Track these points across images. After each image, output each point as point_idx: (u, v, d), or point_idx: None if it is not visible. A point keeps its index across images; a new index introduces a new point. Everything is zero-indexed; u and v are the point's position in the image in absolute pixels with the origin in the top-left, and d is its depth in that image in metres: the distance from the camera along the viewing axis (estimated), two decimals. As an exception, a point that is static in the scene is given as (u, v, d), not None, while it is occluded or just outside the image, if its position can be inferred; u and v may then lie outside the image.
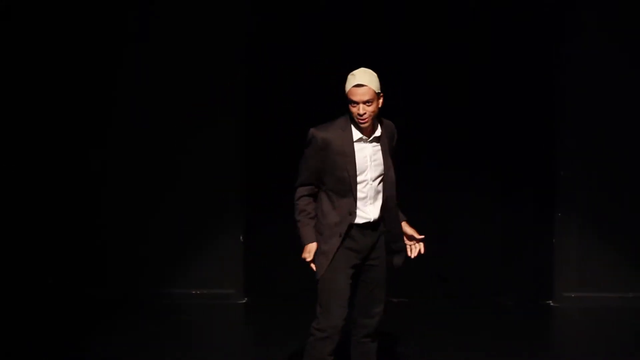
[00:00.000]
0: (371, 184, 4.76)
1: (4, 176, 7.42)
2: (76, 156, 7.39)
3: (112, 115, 7.39)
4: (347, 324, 4.84)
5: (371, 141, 4.76)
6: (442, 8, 7.21)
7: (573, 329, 7.05)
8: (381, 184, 4.80)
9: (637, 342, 6.53)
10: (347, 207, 4.72)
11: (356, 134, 4.73)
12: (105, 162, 7.41)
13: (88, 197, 7.44)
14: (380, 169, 4.78)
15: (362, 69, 4.71)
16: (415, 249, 4.91)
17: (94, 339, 6.51)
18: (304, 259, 4.72)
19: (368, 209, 4.77)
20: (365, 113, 4.64)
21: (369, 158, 4.75)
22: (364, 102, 4.64)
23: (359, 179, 4.72)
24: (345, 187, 4.71)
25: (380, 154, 4.78)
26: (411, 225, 4.93)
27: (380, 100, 4.72)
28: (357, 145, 4.73)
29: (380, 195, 4.80)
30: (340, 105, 4.75)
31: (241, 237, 7.43)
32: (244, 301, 7.50)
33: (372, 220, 4.78)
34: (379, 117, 4.77)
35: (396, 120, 7.01)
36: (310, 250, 4.72)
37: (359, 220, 4.75)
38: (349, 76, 4.69)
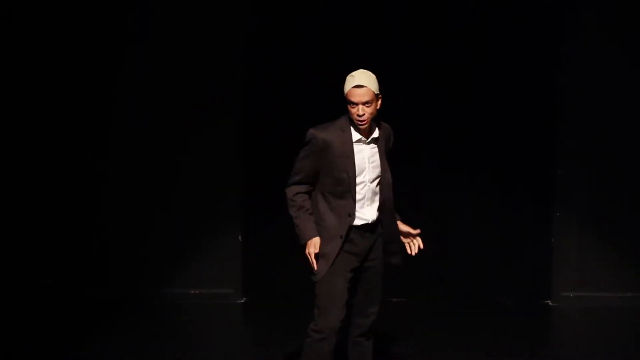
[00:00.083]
0: (369, 186, 4.76)
1: (4, 176, 7.42)
2: (76, 156, 7.39)
3: (112, 115, 7.39)
4: (345, 325, 4.85)
5: (369, 142, 4.76)
6: (442, 8, 7.20)
7: (572, 328, 7.05)
8: (378, 186, 4.80)
9: (636, 341, 6.53)
10: (346, 209, 4.72)
11: (355, 135, 4.73)
12: (105, 162, 7.41)
13: (88, 197, 7.44)
14: (377, 170, 4.78)
15: (361, 70, 4.71)
16: (414, 246, 4.90)
17: (94, 339, 6.52)
18: (308, 255, 4.67)
19: (366, 211, 4.77)
20: (364, 114, 4.65)
21: (367, 159, 4.75)
22: (364, 103, 4.64)
23: (357, 180, 4.72)
24: (344, 188, 4.71)
25: (377, 156, 4.79)
26: (406, 223, 4.92)
27: (379, 102, 4.72)
28: (356, 147, 4.73)
29: (378, 197, 4.81)
30: (340, 106, 4.75)
31: (240, 237, 7.43)
32: (243, 301, 7.50)
33: (370, 222, 4.78)
34: (377, 118, 4.77)
35: (396, 120, 7.01)
36: (315, 244, 4.66)
37: (357, 222, 4.75)
38: (348, 77, 4.69)
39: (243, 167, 7.38)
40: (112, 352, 6.21)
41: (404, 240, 4.92)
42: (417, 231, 4.88)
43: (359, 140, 4.73)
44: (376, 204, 4.80)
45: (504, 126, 7.27)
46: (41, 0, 7.25)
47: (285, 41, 7.23)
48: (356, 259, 4.78)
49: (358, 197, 4.73)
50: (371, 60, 6.96)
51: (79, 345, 6.38)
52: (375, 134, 4.77)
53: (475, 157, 7.29)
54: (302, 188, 4.78)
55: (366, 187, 4.76)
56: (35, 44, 7.29)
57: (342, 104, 4.71)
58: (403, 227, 4.91)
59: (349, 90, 4.66)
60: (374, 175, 4.78)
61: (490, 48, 7.21)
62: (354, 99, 4.65)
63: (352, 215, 4.73)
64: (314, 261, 4.68)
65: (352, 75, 4.69)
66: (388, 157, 4.88)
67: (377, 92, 4.70)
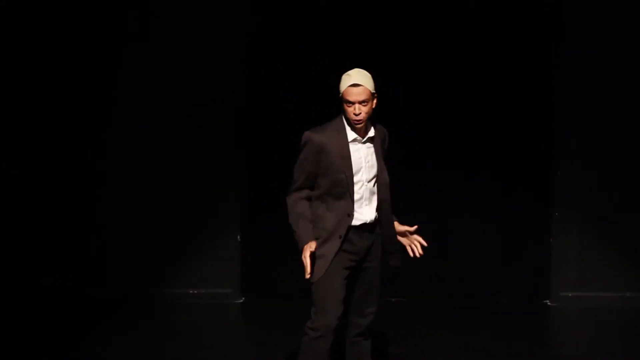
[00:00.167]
0: (366, 185, 4.76)
1: (4, 176, 7.42)
2: (76, 156, 7.39)
3: (112, 115, 7.39)
4: (342, 324, 4.85)
5: (365, 142, 4.76)
6: (442, 8, 7.20)
7: (571, 328, 7.05)
8: (375, 185, 4.80)
9: (635, 341, 6.53)
10: (345, 209, 4.72)
11: (351, 135, 4.73)
12: (104, 162, 7.41)
13: (88, 197, 7.44)
14: (374, 170, 4.78)
15: (356, 69, 4.71)
16: (417, 247, 4.86)
17: (94, 339, 6.52)
18: (304, 259, 4.62)
19: (364, 210, 4.77)
20: (360, 113, 4.65)
21: (363, 159, 4.75)
22: (360, 102, 4.64)
23: (354, 179, 4.72)
24: (342, 188, 4.70)
25: (373, 155, 4.79)
26: (405, 223, 4.89)
27: (375, 101, 4.72)
28: (352, 146, 4.73)
29: (375, 197, 4.81)
30: (340, 106, 4.76)
31: (239, 237, 7.43)
32: (242, 301, 7.50)
33: (368, 221, 4.78)
34: (372, 118, 4.77)
35: (396, 120, 7.01)
36: (310, 247, 4.63)
37: (355, 222, 4.74)
38: (344, 76, 4.69)
39: (242, 167, 7.37)
40: (112, 352, 6.22)
41: (404, 242, 4.89)
42: (415, 228, 4.84)
43: (354, 140, 4.74)
44: (374, 204, 4.80)
45: (503, 126, 7.27)
46: (41, 0, 7.24)
47: (285, 41, 7.23)
48: (354, 258, 4.78)
49: (356, 197, 4.73)
50: (371, 60, 6.95)
51: (79, 345, 6.38)
52: (371, 133, 4.77)
53: (475, 157, 7.29)
54: (302, 194, 4.76)
55: (364, 187, 4.75)
56: (35, 44, 7.29)
57: (342, 104, 4.71)
58: (400, 227, 4.88)
59: (346, 89, 4.65)
60: (371, 175, 4.77)
61: (490, 48, 7.21)
62: (351, 98, 4.64)
63: (350, 215, 4.73)
64: (309, 265, 4.63)
65: (348, 74, 4.69)
66: (385, 158, 4.88)
67: (373, 91, 4.70)
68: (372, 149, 4.79)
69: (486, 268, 7.38)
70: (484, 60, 7.22)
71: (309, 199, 4.77)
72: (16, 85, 7.35)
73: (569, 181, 7.26)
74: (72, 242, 7.47)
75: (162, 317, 7.09)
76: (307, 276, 4.63)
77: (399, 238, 4.89)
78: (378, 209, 4.81)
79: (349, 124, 4.72)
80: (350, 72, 4.70)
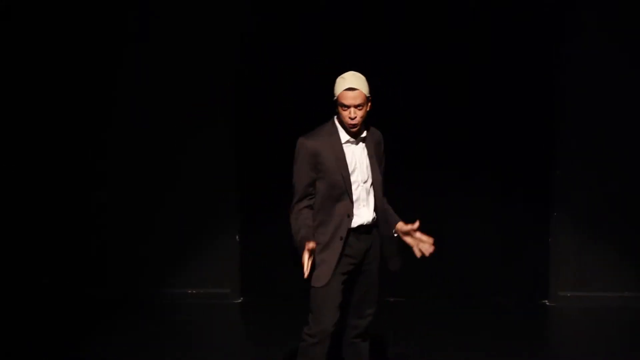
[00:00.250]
0: (362, 186, 4.76)
1: (4, 176, 7.42)
2: (75, 156, 7.39)
3: (112, 115, 7.39)
4: (340, 327, 4.86)
5: (358, 143, 4.77)
6: (442, 8, 7.20)
7: (570, 328, 7.04)
8: (371, 186, 4.80)
9: (634, 341, 6.53)
10: (344, 210, 4.72)
11: (344, 137, 4.74)
12: (104, 162, 7.41)
13: (87, 197, 7.44)
14: (368, 171, 4.78)
15: (351, 72, 4.70)
16: (426, 245, 4.70)
17: (94, 339, 6.52)
18: (303, 262, 4.54)
19: (362, 211, 4.77)
20: (356, 117, 4.65)
21: (357, 159, 4.76)
22: (355, 106, 4.64)
23: (351, 179, 4.72)
24: (340, 190, 4.70)
25: (367, 156, 4.79)
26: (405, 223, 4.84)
27: (369, 104, 4.72)
28: (345, 147, 4.74)
29: (372, 199, 4.80)
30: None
31: (237, 237, 7.43)
32: (240, 301, 7.50)
33: (365, 223, 4.78)
34: (366, 121, 4.77)
35: (396, 120, 7.05)
36: (311, 246, 4.54)
37: (354, 223, 4.75)
38: (339, 79, 4.67)
39: (241, 167, 7.37)
40: (112, 352, 6.23)
41: (410, 242, 4.74)
42: (417, 224, 4.72)
43: (348, 141, 4.74)
44: (371, 205, 4.81)
45: (503, 126, 7.26)
46: (41, 0, 7.24)
47: (285, 41, 7.23)
48: (352, 261, 4.78)
49: (354, 197, 4.73)
50: (371, 60, 7.01)
51: (79, 345, 6.38)
52: (364, 134, 4.78)
53: (474, 157, 7.28)
54: (304, 203, 4.75)
55: (360, 188, 4.76)
56: (35, 44, 7.29)
57: (336, 107, 4.72)
58: (405, 227, 4.76)
59: (341, 93, 4.64)
60: (366, 176, 4.77)
61: (490, 48, 7.21)
62: (346, 102, 4.64)
63: (350, 216, 4.73)
64: (307, 264, 4.56)
65: (343, 78, 4.67)
66: (381, 162, 4.88)
67: (368, 94, 4.69)
68: (366, 151, 4.79)
69: (485, 268, 7.38)
70: (484, 60, 7.21)
71: (310, 207, 4.76)
72: (16, 85, 7.35)
73: (568, 181, 7.26)
74: (72, 242, 7.47)
75: (162, 317, 7.09)
76: (306, 276, 4.61)
77: (405, 238, 4.77)
78: (374, 211, 4.81)
79: (342, 126, 4.72)
80: (345, 75, 4.68)
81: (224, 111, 7.31)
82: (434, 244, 4.69)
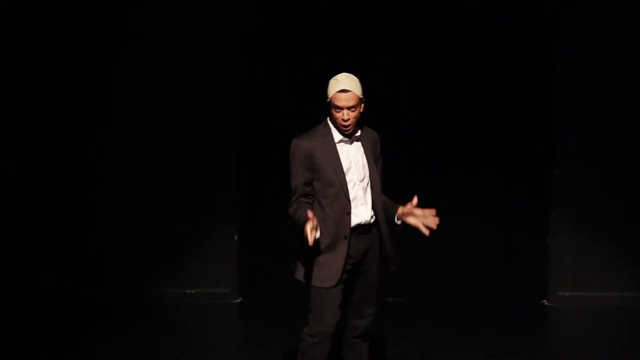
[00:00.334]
0: (359, 185, 4.77)
1: (4, 176, 7.42)
2: (75, 156, 7.40)
3: (111, 115, 7.39)
4: (340, 326, 4.86)
5: (352, 142, 4.77)
6: (442, 8, 7.20)
7: (569, 328, 7.04)
8: (368, 185, 4.80)
9: (633, 341, 6.53)
10: (342, 209, 4.73)
11: (337, 136, 4.75)
12: (104, 162, 7.41)
13: (87, 197, 7.44)
14: (364, 170, 4.79)
15: (344, 74, 4.71)
16: (429, 218, 4.64)
17: (94, 339, 6.53)
18: (306, 231, 4.43)
19: (360, 210, 4.77)
20: (349, 119, 4.66)
21: (352, 158, 4.77)
22: (349, 108, 4.65)
23: (346, 178, 4.72)
24: (336, 189, 4.71)
25: (363, 156, 4.79)
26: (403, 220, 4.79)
27: (362, 105, 4.72)
28: (339, 147, 4.75)
29: (370, 197, 4.80)
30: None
31: (236, 237, 7.43)
32: (239, 300, 7.51)
33: (364, 222, 4.78)
34: (360, 122, 4.78)
35: (396, 120, 7.05)
36: (310, 215, 4.47)
37: (352, 222, 4.74)
38: (332, 81, 4.68)
39: (239, 166, 7.37)
40: (112, 352, 6.23)
41: (414, 222, 4.65)
42: (415, 200, 4.67)
43: (340, 141, 4.75)
44: (370, 204, 4.81)
45: (503, 126, 7.26)
46: (41, 0, 7.24)
47: (285, 41, 7.23)
48: (351, 261, 4.79)
49: (351, 196, 4.74)
50: (371, 60, 7.02)
51: (79, 345, 6.39)
52: (358, 133, 4.78)
53: (474, 157, 7.29)
54: (301, 199, 4.76)
55: (356, 186, 4.76)
56: (35, 44, 7.29)
57: (329, 108, 4.72)
58: (404, 209, 4.69)
59: (334, 94, 4.65)
60: (362, 175, 4.78)
61: (490, 48, 7.21)
62: (339, 104, 4.65)
63: (350, 214, 4.73)
64: (310, 233, 4.44)
65: (336, 79, 4.68)
66: (378, 162, 4.88)
67: (361, 96, 4.70)
68: (362, 150, 4.80)
69: (485, 268, 7.38)
70: (484, 60, 7.21)
71: (309, 204, 4.76)
72: (16, 85, 7.35)
73: (567, 181, 7.26)
74: (72, 242, 7.47)
75: (161, 317, 7.09)
76: (310, 243, 4.45)
77: (408, 220, 4.67)
78: (372, 210, 4.81)
79: (335, 127, 4.73)
80: (338, 76, 4.69)
81: (224, 111, 7.31)
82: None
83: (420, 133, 7.21)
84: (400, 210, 4.73)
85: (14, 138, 7.41)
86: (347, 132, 4.71)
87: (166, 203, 7.40)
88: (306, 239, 4.44)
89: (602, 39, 7.14)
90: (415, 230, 4.70)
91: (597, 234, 7.29)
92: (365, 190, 4.79)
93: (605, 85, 7.18)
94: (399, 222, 4.77)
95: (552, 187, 7.29)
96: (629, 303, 7.26)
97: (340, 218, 4.73)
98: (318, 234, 4.56)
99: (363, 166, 4.78)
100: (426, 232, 4.64)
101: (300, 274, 4.82)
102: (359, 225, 4.78)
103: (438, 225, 4.61)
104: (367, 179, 4.79)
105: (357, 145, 4.80)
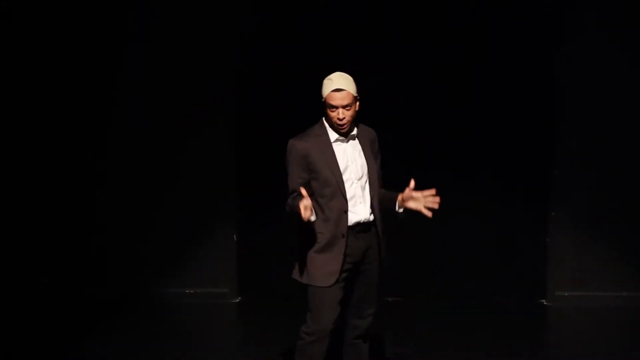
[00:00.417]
0: (356, 183, 4.77)
1: (4, 176, 7.43)
2: (75, 156, 7.40)
3: (111, 115, 7.39)
4: (339, 326, 4.85)
5: (348, 141, 4.77)
6: (442, 8, 7.20)
7: (568, 328, 7.04)
8: (367, 183, 4.80)
9: (633, 341, 6.53)
10: (340, 207, 4.73)
11: (333, 136, 4.76)
12: (104, 162, 7.42)
13: (87, 197, 7.45)
14: (362, 168, 4.78)
15: (338, 73, 4.71)
16: (429, 199, 4.63)
17: (94, 339, 6.53)
18: (303, 211, 4.42)
19: (358, 209, 4.77)
20: (344, 117, 4.66)
21: (349, 157, 4.77)
22: (344, 107, 4.65)
23: (343, 177, 4.72)
24: (333, 188, 4.71)
25: (360, 154, 4.79)
26: (406, 218, 4.80)
27: (358, 104, 4.73)
28: (335, 146, 4.75)
29: (368, 196, 4.80)
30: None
31: (235, 237, 7.43)
32: (238, 300, 7.51)
33: (362, 220, 4.77)
34: (356, 121, 4.78)
35: (396, 120, 7.05)
36: (304, 193, 4.48)
37: (350, 220, 4.74)
38: (326, 81, 4.69)
39: (239, 166, 7.37)
40: (112, 352, 6.23)
41: (415, 206, 4.62)
42: (413, 183, 4.65)
43: (337, 140, 4.75)
44: (368, 203, 4.81)
45: (503, 126, 7.26)
46: (41, 0, 7.25)
47: (285, 41, 7.23)
48: (350, 260, 4.79)
49: (349, 195, 4.74)
50: (371, 60, 7.02)
51: (79, 345, 6.39)
52: (354, 131, 4.78)
53: (474, 157, 7.29)
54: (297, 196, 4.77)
55: (354, 185, 4.76)
56: (35, 44, 7.29)
57: (324, 108, 4.72)
58: (402, 195, 4.67)
59: (329, 93, 4.66)
60: (360, 173, 4.78)
61: (490, 48, 7.21)
62: (334, 103, 4.66)
63: (347, 212, 4.73)
64: (304, 210, 4.42)
65: (330, 79, 4.69)
66: (375, 157, 4.87)
67: (355, 94, 4.70)
68: (359, 148, 4.80)
69: (484, 268, 7.38)
70: (484, 60, 7.21)
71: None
72: (16, 85, 7.35)
73: (567, 181, 7.26)
74: (72, 242, 7.47)
75: (161, 317, 7.09)
76: (305, 218, 4.44)
77: (409, 205, 4.65)
78: (371, 208, 4.81)
79: (331, 126, 4.74)
80: (331, 76, 4.70)
81: (224, 111, 7.31)
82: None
83: (420, 133, 7.21)
84: (400, 196, 4.70)
85: (14, 138, 7.41)
86: (343, 131, 4.72)
87: (166, 203, 7.41)
88: (303, 218, 4.42)
89: (602, 39, 7.14)
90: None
91: (596, 234, 7.29)
92: (363, 188, 4.79)
93: (605, 85, 7.18)
94: (401, 210, 4.73)
95: (551, 187, 7.29)
96: (628, 303, 7.26)
97: (338, 217, 4.73)
98: (313, 217, 4.53)
99: (361, 165, 4.79)
100: (428, 214, 4.62)
101: (298, 273, 4.82)
102: (357, 224, 4.78)
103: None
104: (365, 177, 4.79)
105: (354, 143, 4.80)
